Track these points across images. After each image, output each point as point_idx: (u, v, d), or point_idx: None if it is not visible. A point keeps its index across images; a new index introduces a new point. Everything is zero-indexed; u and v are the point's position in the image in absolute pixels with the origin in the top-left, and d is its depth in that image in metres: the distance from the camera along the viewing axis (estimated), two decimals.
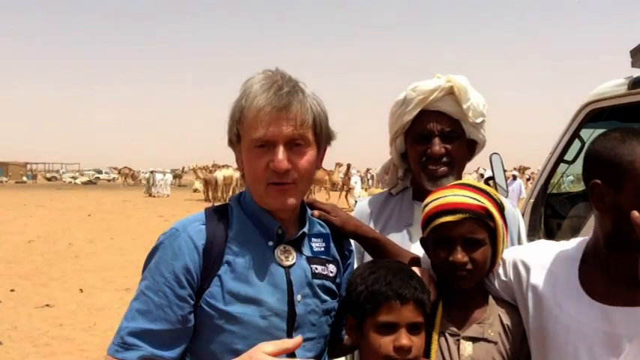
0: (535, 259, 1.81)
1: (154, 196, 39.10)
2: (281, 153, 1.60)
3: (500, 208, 1.86)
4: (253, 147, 1.62)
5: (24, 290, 9.83)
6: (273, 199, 1.66)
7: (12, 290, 9.75)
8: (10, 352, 6.64)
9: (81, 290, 9.89)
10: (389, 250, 1.99)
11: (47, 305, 8.82)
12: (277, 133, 1.59)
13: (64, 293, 9.68)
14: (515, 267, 1.85)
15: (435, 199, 1.85)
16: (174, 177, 52.89)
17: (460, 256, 1.77)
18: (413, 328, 1.62)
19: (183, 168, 61.01)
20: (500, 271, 1.89)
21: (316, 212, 1.89)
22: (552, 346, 1.68)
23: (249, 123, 1.61)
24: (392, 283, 1.63)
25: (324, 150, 1.81)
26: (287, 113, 1.60)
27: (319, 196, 29.33)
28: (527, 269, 1.80)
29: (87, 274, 11.33)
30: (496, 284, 1.89)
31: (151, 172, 43.46)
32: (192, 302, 1.60)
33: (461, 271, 1.78)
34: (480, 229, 1.78)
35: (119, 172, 65.96)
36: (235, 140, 1.70)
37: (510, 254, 1.90)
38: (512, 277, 1.85)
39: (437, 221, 1.81)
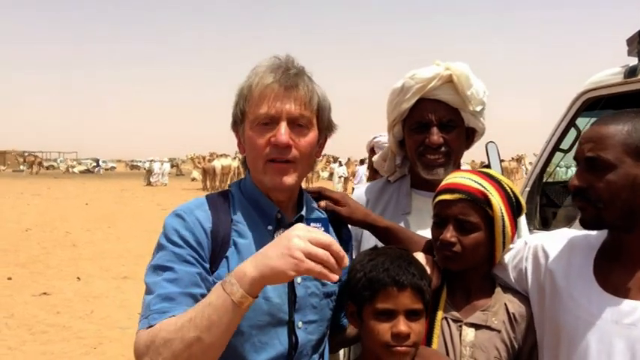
0: (555, 247, 1.80)
1: (153, 185, 39.05)
2: (283, 128, 1.63)
3: (511, 201, 1.84)
4: (257, 124, 1.66)
5: (21, 278, 9.82)
6: (271, 177, 1.68)
7: (9, 278, 9.74)
8: (6, 340, 6.65)
9: (78, 278, 9.89)
10: (400, 236, 1.99)
11: (44, 293, 8.81)
12: (281, 110, 1.64)
13: (61, 281, 9.67)
14: (535, 254, 1.84)
15: (445, 181, 1.89)
16: (172, 166, 52.70)
17: (449, 235, 1.79)
18: (411, 315, 1.62)
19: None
20: (517, 257, 1.88)
21: (322, 203, 1.91)
22: (563, 336, 1.67)
23: (255, 100, 1.66)
24: (389, 269, 1.64)
25: (325, 140, 1.84)
26: (293, 92, 1.65)
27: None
28: (547, 257, 1.80)
29: (84, 263, 11.33)
30: (510, 270, 1.89)
31: (150, 161, 43.37)
32: (210, 278, 1.59)
33: (447, 251, 1.79)
34: (473, 212, 1.79)
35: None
36: (240, 119, 1.72)
37: (532, 241, 1.89)
38: (530, 264, 1.84)
39: (436, 199, 1.85)
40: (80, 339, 6.75)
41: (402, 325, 1.59)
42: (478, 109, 2.20)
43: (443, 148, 2.16)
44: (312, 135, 1.73)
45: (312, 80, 1.73)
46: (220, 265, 1.61)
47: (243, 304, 1.37)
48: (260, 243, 1.65)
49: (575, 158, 1.65)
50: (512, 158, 41.84)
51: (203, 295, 1.49)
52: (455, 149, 2.20)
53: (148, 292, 1.55)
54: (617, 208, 1.55)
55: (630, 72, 3.62)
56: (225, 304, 1.38)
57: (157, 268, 1.57)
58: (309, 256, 1.33)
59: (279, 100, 1.64)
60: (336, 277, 1.34)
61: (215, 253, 1.62)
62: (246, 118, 1.70)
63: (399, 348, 1.60)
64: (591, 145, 1.57)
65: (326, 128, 1.80)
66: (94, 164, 70.14)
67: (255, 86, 1.65)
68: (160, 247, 1.62)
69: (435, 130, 2.15)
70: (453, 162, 2.20)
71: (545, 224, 4.70)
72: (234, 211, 1.71)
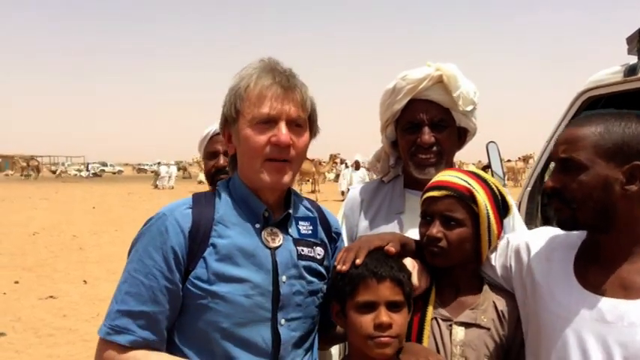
0: (537, 246, 1.82)
1: (160, 189, 39.19)
2: (284, 128, 1.68)
3: (497, 199, 1.88)
4: (255, 123, 1.69)
5: (28, 282, 9.89)
6: (269, 176, 1.72)
7: (16, 282, 9.81)
8: (13, 343, 6.70)
9: (85, 281, 9.95)
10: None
11: (51, 296, 8.87)
12: (281, 110, 1.69)
13: (67, 284, 9.74)
14: (517, 251, 1.86)
15: (433, 179, 1.92)
16: (179, 169, 52.82)
17: (435, 230, 1.82)
18: (392, 306, 1.66)
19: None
20: (502, 255, 1.91)
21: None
22: (543, 333, 1.69)
23: (254, 100, 1.69)
24: (367, 263, 1.70)
25: (310, 141, 1.86)
26: (292, 93, 1.71)
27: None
28: (529, 255, 1.82)
29: (91, 266, 11.39)
30: (497, 268, 1.91)
31: (157, 164, 43.56)
32: (181, 285, 1.65)
33: (433, 247, 1.82)
34: (459, 208, 1.82)
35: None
36: (233, 119, 1.75)
37: (515, 238, 1.91)
38: (513, 262, 1.86)
39: (424, 196, 1.89)
40: (86, 342, 6.78)
41: (384, 316, 1.63)
42: (469, 109, 2.22)
43: (434, 148, 2.19)
44: (307, 135, 1.79)
45: (303, 82, 1.78)
46: (198, 265, 1.65)
47: None
48: (245, 241, 1.70)
49: (550, 159, 1.67)
50: (519, 158, 41.64)
51: (161, 312, 1.62)
52: (446, 149, 2.22)
53: (115, 296, 1.66)
54: (590, 208, 1.57)
55: (630, 71, 3.61)
56: None
57: (127, 275, 1.67)
58: None
59: (280, 102, 1.69)
60: None
61: (192, 252, 1.66)
62: (240, 117, 1.73)
63: (382, 338, 1.63)
64: (565, 146, 1.61)
65: (314, 130, 1.85)
66: (101, 168, 70.47)
67: (254, 86, 1.69)
68: (133, 251, 1.71)
69: (426, 129, 2.18)
70: (444, 161, 2.22)
71: (547, 223, 4.69)
72: (218, 210, 1.74)
